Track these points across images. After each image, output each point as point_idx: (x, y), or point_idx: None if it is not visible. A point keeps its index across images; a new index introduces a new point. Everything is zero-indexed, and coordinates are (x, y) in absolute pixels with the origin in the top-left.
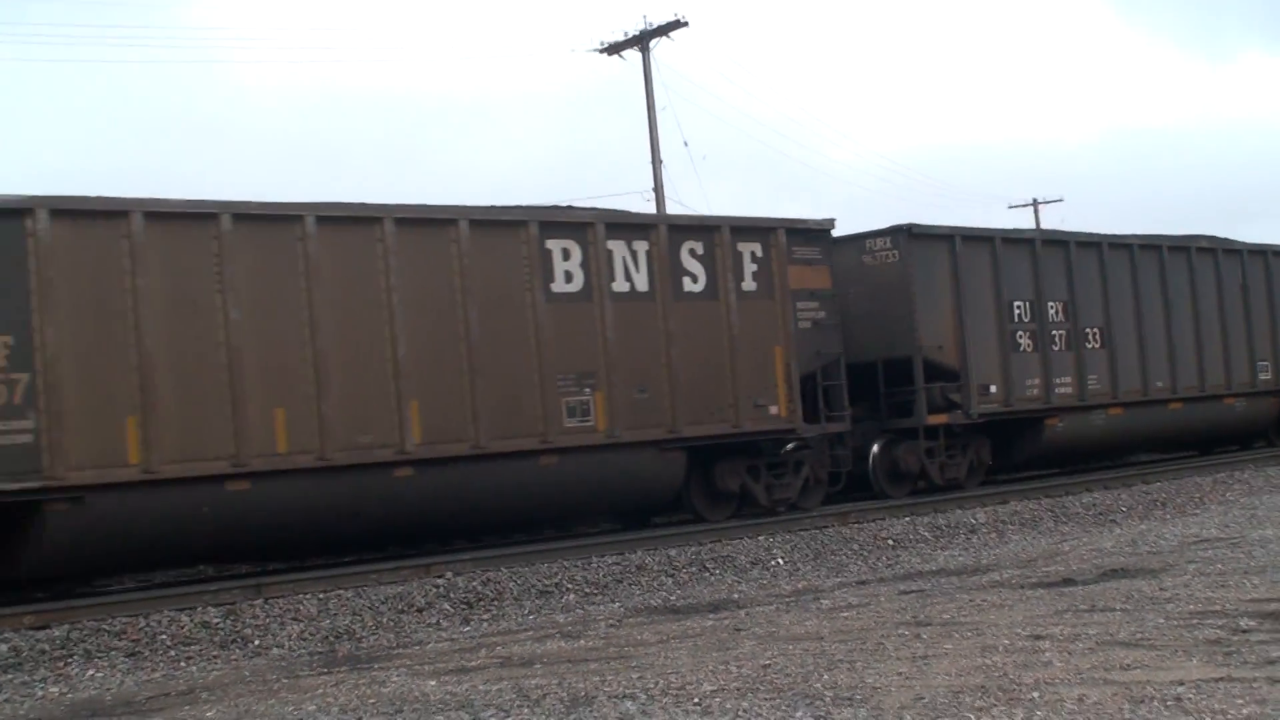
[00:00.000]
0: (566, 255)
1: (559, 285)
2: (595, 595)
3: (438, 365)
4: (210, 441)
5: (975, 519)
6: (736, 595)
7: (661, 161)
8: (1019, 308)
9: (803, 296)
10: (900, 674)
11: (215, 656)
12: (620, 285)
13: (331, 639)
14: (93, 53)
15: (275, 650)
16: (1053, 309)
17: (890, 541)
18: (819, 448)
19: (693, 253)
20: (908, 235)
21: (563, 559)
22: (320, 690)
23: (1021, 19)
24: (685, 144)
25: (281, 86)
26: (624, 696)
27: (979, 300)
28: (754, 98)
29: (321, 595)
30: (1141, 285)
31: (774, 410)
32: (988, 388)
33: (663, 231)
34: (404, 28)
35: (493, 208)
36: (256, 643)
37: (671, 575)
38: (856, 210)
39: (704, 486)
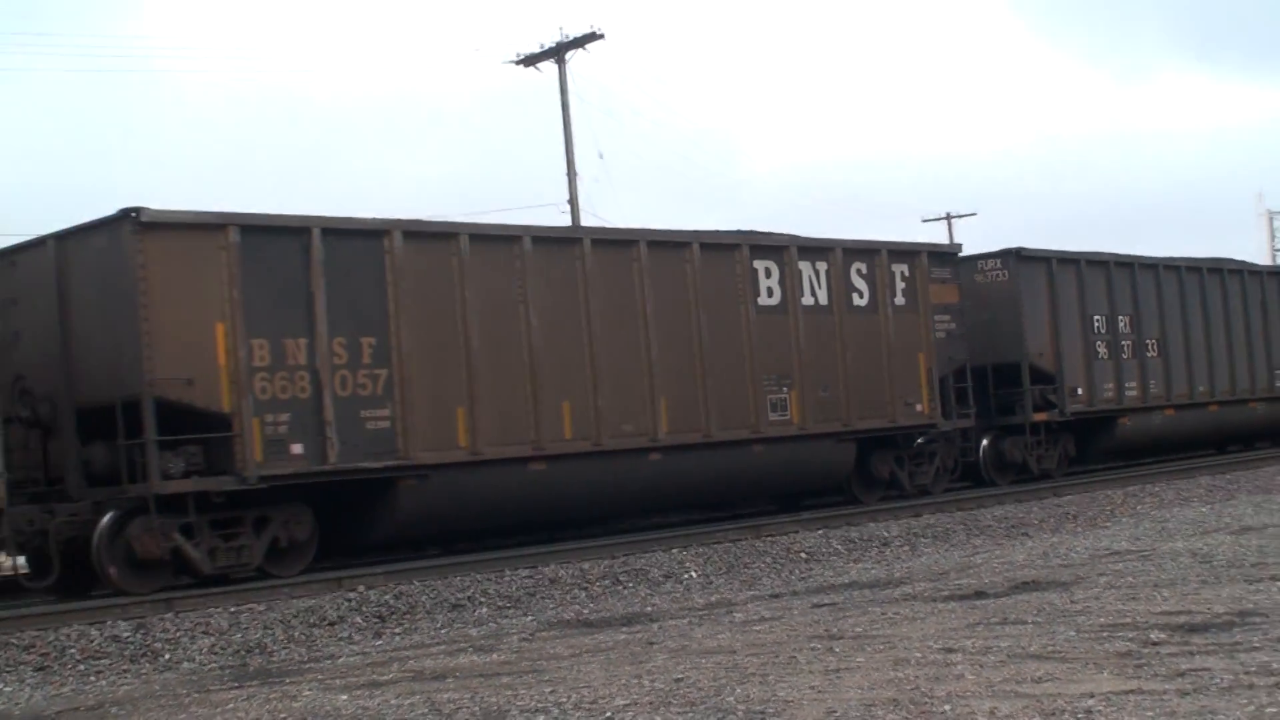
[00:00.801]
0: (768, 274)
1: (763, 299)
2: (508, 608)
3: (678, 367)
4: (517, 429)
5: (888, 532)
6: (649, 608)
7: (577, 174)
8: (1097, 321)
9: (939, 310)
10: (813, 687)
11: (125, 671)
12: (807, 300)
13: (243, 653)
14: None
15: (186, 664)
16: (1121, 322)
17: (803, 554)
18: (949, 440)
19: (859, 272)
20: (1016, 257)
21: (475, 572)
22: (231, 705)
23: (936, 34)
24: (600, 156)
25: (202, 97)
26: (537, 710)
27: (1068, 314)
28: (671, 110)
29: (232, 609)
30: (1187, 302)
31: (919, 408)
32: (1076, 390)
33: (838, 254)
34: (321, 40)
35: (715, 232)
36: (167, 656)
37: (585, 588)
38: (773, 222)
39: (860, 473)
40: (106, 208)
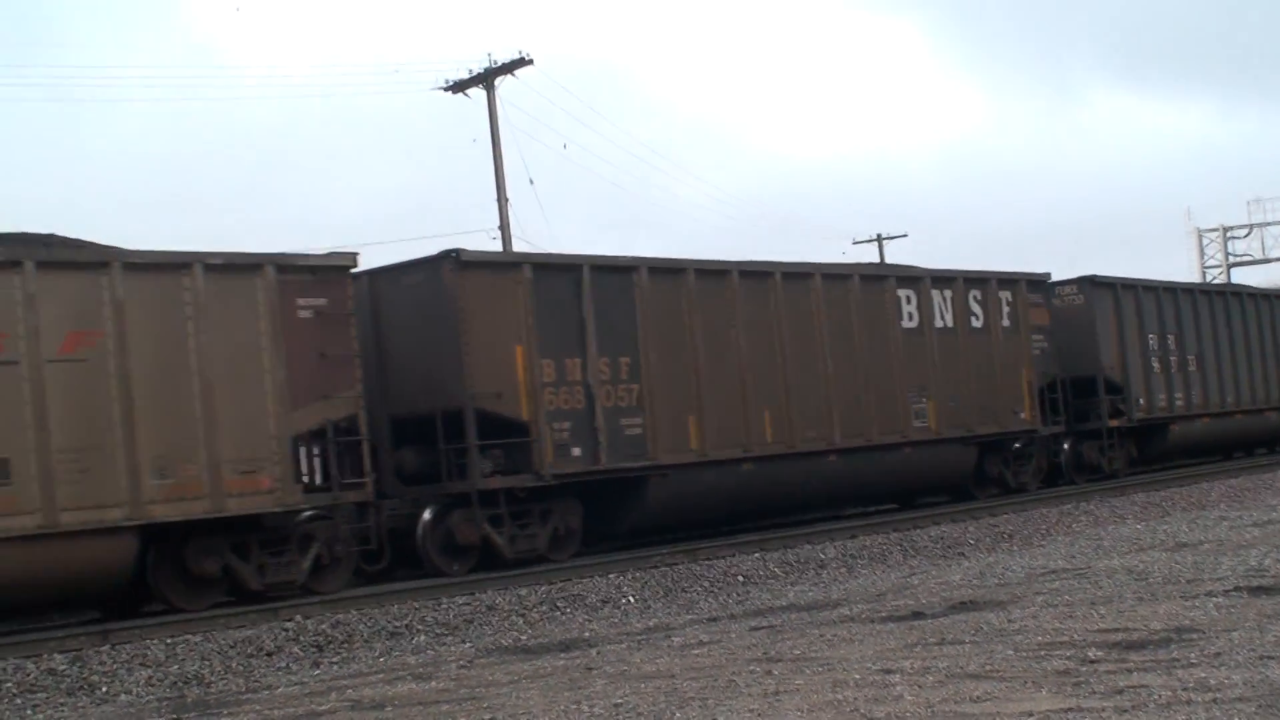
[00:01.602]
0: (909, 300)
1: (905, 323)
2: (446, 636)
3: (846, 381)
4: (733, 434)
5: (824, 554)
6: (588, 634)
7: (508, 200)
8: (1152, 339)
9: (1035, 331)
10: (752, 710)
11: (62, 704)
12: (939, 323)
13: (180, 684)
14: None
15: (123, 697)
16: (1169, 339)
17: (740, 578)
18: (1043, 444)
19: (975, 298)
20: (1091, 283)
21: (413, 600)
22: None
23: (866, 59)
24: (531, 182)
25: (131, 127)
26: None
27: (1131, 333)
28: (601, 136)
29: (169, 640)
30: (1216, 323)
31: (1024, 415)
32: (1138, 400)
33: (960, 283)
34: (249, 69)
35: (870, 265)
36: (104, 689)
37: (523, 615)
38: (704, 247)
39: (974, 473)
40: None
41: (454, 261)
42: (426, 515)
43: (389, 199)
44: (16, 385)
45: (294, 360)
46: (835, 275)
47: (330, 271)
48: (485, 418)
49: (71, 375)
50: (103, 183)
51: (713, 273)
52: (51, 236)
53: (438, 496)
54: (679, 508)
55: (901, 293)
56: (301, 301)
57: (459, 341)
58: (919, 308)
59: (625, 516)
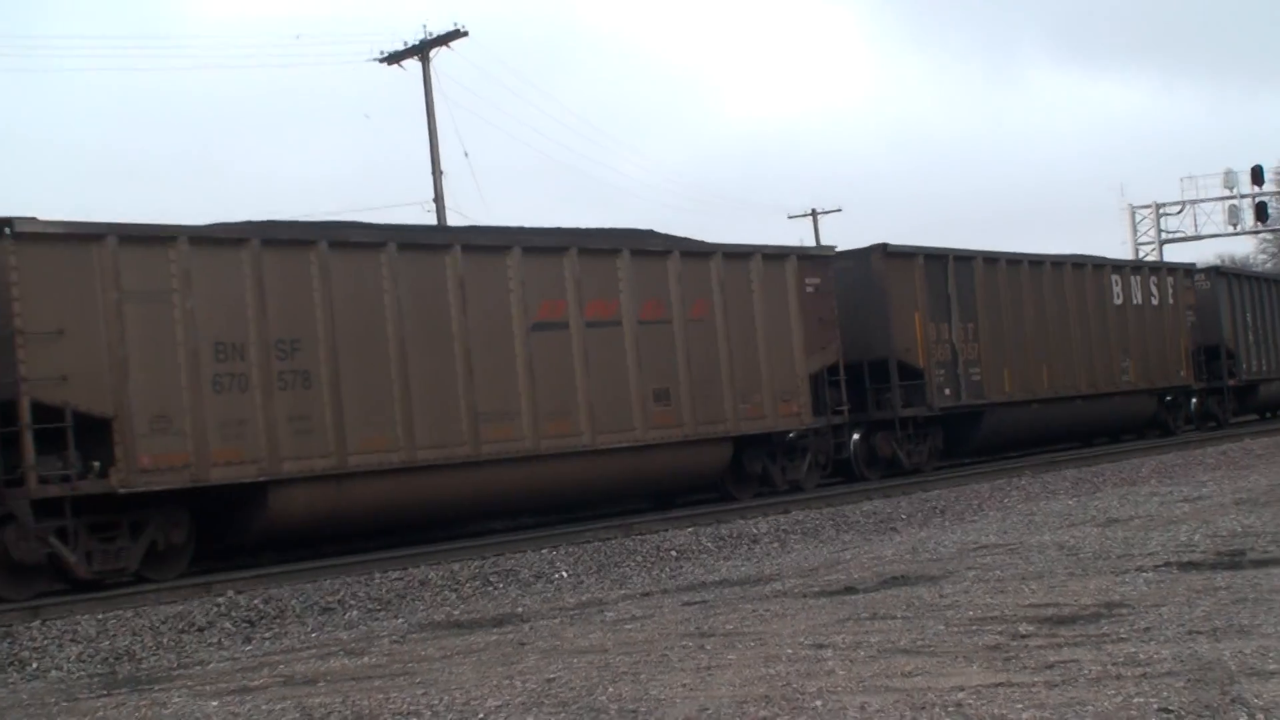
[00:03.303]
0: (1116, 283)
1: (1115, 300)
2: (378, 611)
3: (1086, 345)
4: (1029, 382)
5: (757, 529)
6: (520, 609)
7: (443, 172)
8: (1250, 317)
9: (1187, 308)
10: (684, 685)
11: None
12: (1135, 300)
13: (111, 660)
14: None
15: (54, 673)
16: (1250, 318)
17: (673, 553)
18: (1201, 396)
19: (1153, 282)
20: (1217, 272)
21: (345, 574)
22: (100, 713)
23: (798, 29)
24: (466, 155)
25: (71, 99)
26: (409, 714)
27: (1241, 312)
28: (538, 109)
29: (100, 616)
30: (1267, 306)
31: (1183, 374)
32: (1244, 364)
33: (1146, 270)
34: (188, 39)
35: (1094, 256)
36: (34, 665)
37: (455, 590)
38: (639, 220)
39: (1152, 417)
40: None
41: (881, 251)
42: (855, 436)
43: (326, 169)
44: (670, 340)
45: (806, 322)
46: (1079, 264)
47: (821, 259)
48: (901, 367)
49: (696, 332)
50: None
51: (1016, 262)
52: (651, 232)
53: (862, 423)
54: (997, 435)
55: (1113, 277)
56: (807, 281)
57: (887, 311)
58: (1123, 289)
59: (968, 440)
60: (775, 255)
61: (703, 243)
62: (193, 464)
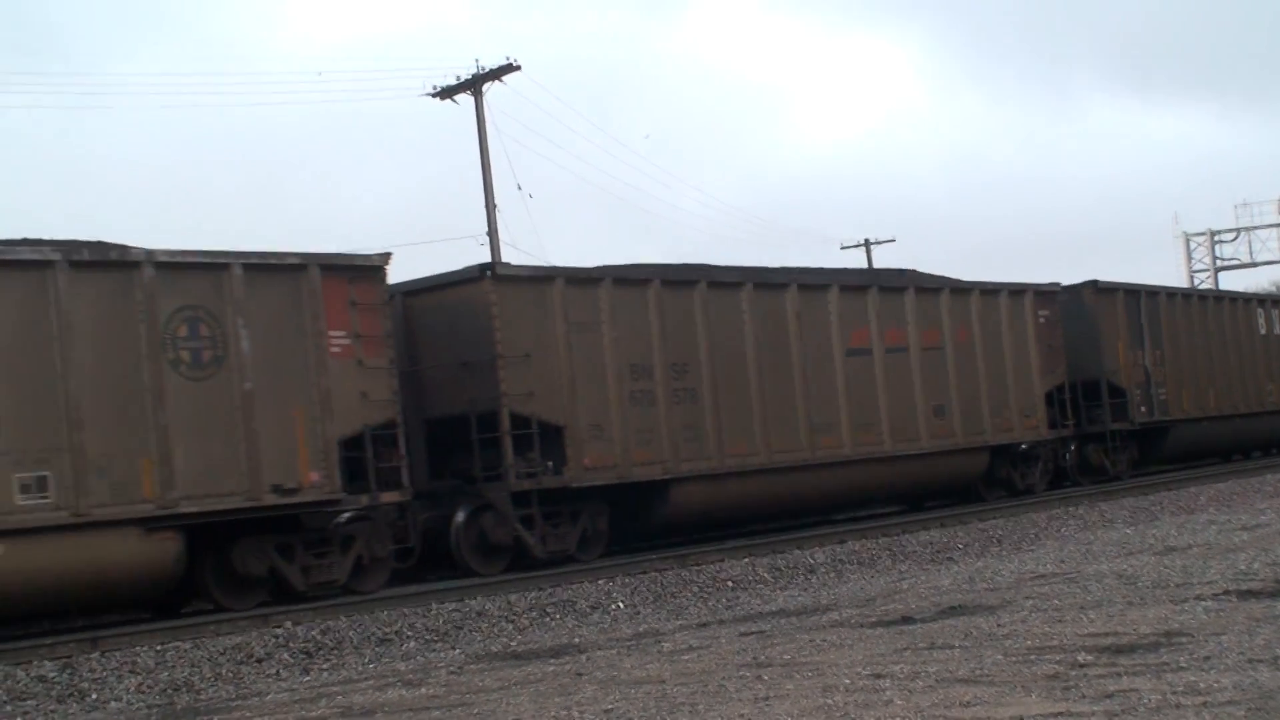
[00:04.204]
0: (1262, 316)
1: (1260, 330)
2: (436, 642)
3: (1239, 370)
4: (1199, 402)
5: (814, 559)
6: (577, 639)
7: (496, 206)
8: None
9: None
10: (742, 715)
11: (52, 711)
12: (1276, 330)
13: (170, 691)
14: None
15: (113, 704)
16: None
17: (730, 583)
18: None
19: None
20: None
21: (402, 606)
22: None
23: (853, 63)
24: (519, 188)
25: (141, 132)
26: None
27: None
28: (591, 142)
29: (159, 647)
30: None
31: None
32: None
33: (1269, 303)
34: (236, 76)
35: (1235, 292)
36: (94, 696)
37: (512, 620)
38: (696, 253)
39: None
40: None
41: (1093, 288)
42: (1071, 446)
43: (381, 203)
44: (943, 363)
45: (1040, 348)
46: (1234, 298)
47: (1050, 294)
48: (1109, 387)
49: (961, 356)
50: (103, 186)
51: (1188, 296)
52: (914, 272)
53: (1077, 436)
54: (1178, 447)
55: (1258, 310)
56: (1040, 312)
57: (1098, 338)
58: (1266, 320)
59: (1157, 450)
60: (1017, 291)
61: (961, 280)
62: (618, 464)
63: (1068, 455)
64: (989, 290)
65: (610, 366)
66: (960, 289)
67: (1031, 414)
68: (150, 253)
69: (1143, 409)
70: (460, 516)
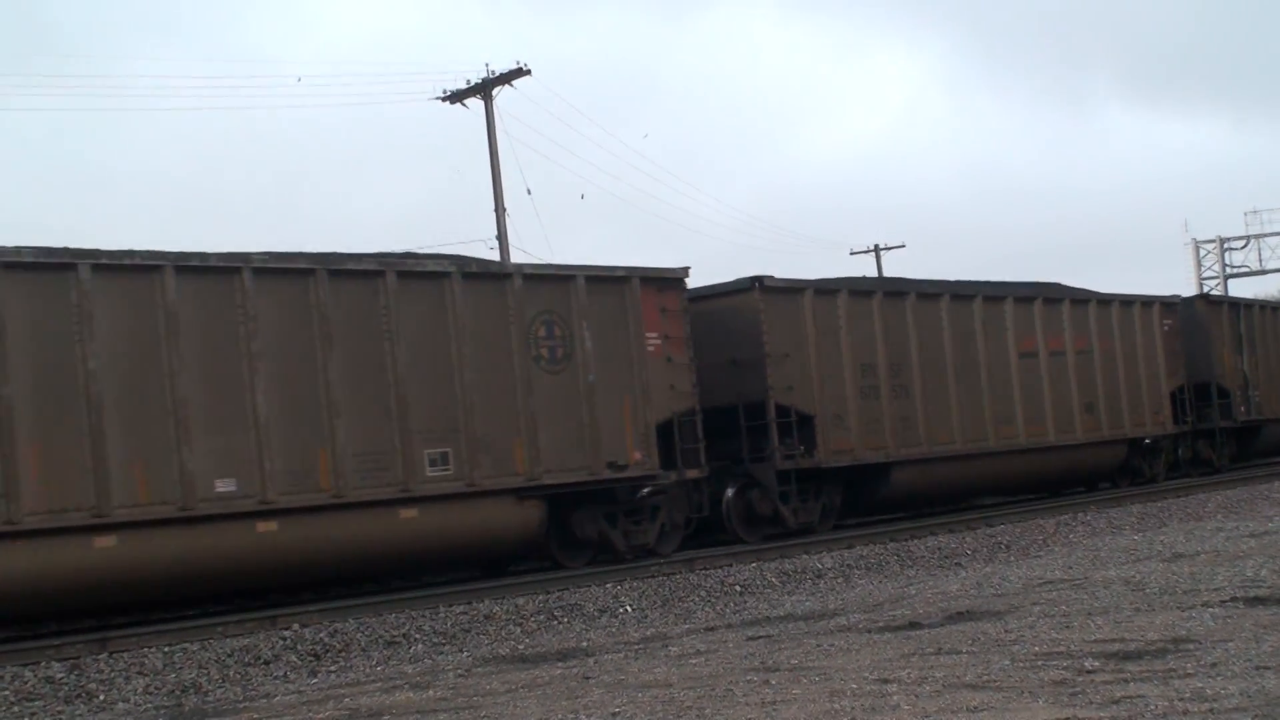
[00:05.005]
0: None
1: None
2: (443, 645)
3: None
4: (1276, 404)
5: (821, 564)
6: (585, 643)
7: (505, 210)
8: None
9: None
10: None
11: (60, 712)
12: None
13: (178, 693)
14: None
15: (121, 705)
16: None
17: (738, 588)
18: None
19: None
20: None
21: (410, 609)
22: None
23: (870, 73)
24: (529, 192)
25: (156, 136)
26: None
27: None
28: (600, 147)
29: (167, 648)
30: None
31: None
32: None
33: None
34: (244, 78)
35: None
36: (101, 697)
37: (519, 624)
38: (703, 257)
39: None
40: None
41: (1204, 299)
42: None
43: (392, 205)
44: (1092, 365)
45: (1165, 353)
46: (1267, 306)
47: (1172, 305)
48: (1206, 389)
49: (1104, 359)
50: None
51: (1265, 307)
52: (1059, 285)
53: (1185, 433)
54: (1267, 444)
55: None
56: (1164, 321)
57: (1208, 345)
58: None
59: (1251, 446)
60: (1147, 302)
61: (1102, 293)
62: (854, 449)
63: (1180, 449)
64: (1126, 301)
65: (847, 365)
66: (1103, 300)
67: (1160, 411)
68: (519, 266)
69: (1242, 409)
70: (730, 492)
